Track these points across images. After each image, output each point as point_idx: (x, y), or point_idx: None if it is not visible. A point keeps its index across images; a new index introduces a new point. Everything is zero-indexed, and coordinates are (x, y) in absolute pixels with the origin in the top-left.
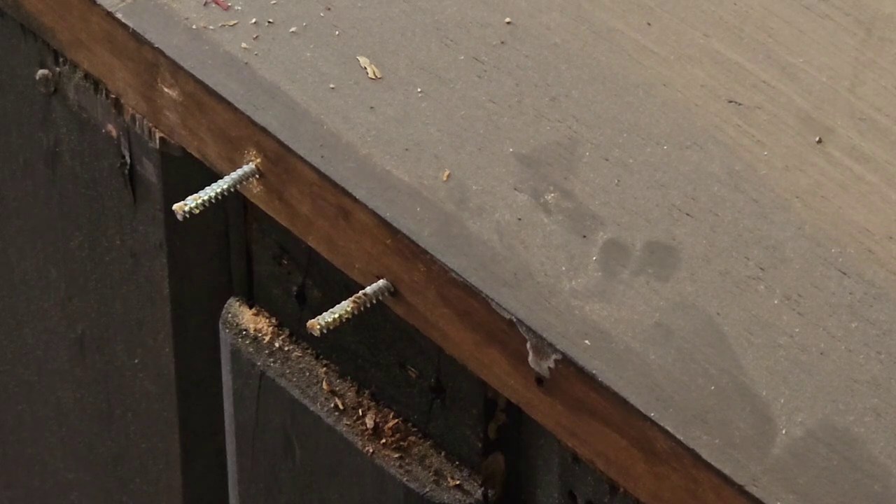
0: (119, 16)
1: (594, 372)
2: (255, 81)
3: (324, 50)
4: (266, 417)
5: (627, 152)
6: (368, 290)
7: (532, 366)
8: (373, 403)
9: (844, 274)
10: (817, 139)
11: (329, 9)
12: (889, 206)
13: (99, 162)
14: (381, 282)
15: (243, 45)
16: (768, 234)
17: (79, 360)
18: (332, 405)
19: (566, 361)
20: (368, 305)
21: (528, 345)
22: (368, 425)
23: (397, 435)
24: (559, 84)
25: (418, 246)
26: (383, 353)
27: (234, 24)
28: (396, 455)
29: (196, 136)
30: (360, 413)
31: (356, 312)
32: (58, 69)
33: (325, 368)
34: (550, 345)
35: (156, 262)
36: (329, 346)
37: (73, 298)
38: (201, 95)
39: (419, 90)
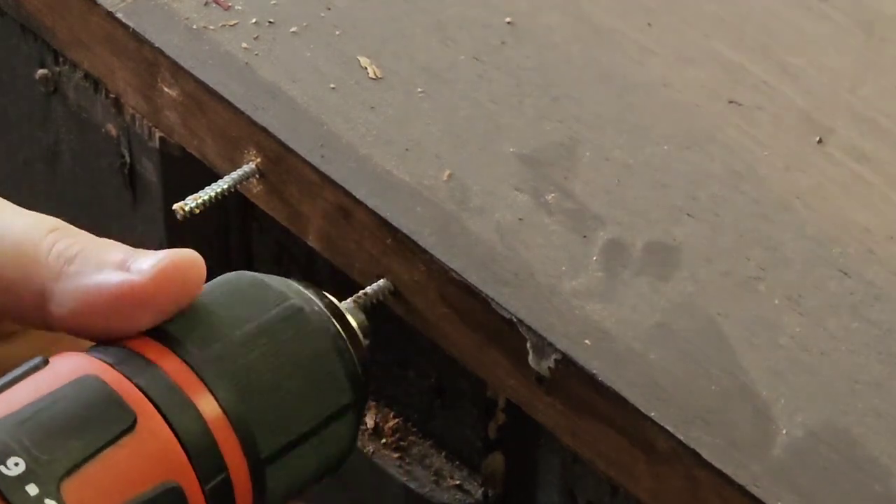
0: (119, 16)
1: (595, 372)
2: (256, 81)
3: (324, 50)
4: None
5: (628, 152)
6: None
7: (532, 365)
8: (373, 403)
9: (845, 274)
10: (818, 139)
11: (329, 9)
12: (890, 206)
13: (99, 161)
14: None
15: (244, 44)
16: (769, 235)
17: None
18: None
19: (566, 361)
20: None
21: (529, 344)
22: (368, 425)
23: (397, 434)
24: (560, 84)
25: (418, 246)
26: (383, 353)
27: (235, 24)
28: (396, 455)
29: (196, 135)
30: None
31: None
32: (58, 69)
33: None
34: (551, 344)
35: None
36: None
37: None
38: (201, 95)
39: (420, 90)
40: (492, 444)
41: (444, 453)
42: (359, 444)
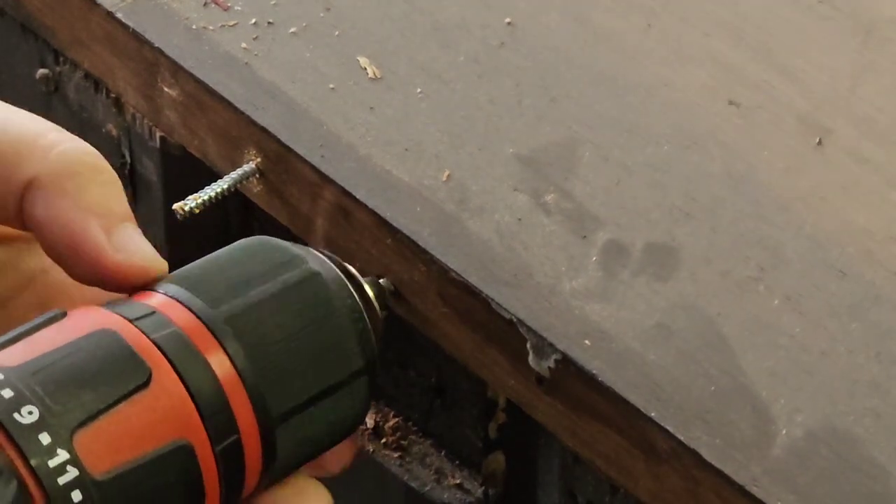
0: (119, 16)
1: (594, 372)
2: (255, 81)
3: (324, 50)
4: None
5: (628, 153)
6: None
7: (532, 366)
8: (373, 403)
9: (845, 274)
10: (817, 140)
11: (329, 9)
12: (889, 206)
13: None
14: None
15: (243, 45)
16: (769, 235)
17: None
18: None
19: (566, 361)
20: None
21: (529, 345)
22: (369, 425)
23: (398, 434)
24: (559, 85)
25: (418, 246)
26: (383, 352)
27: (234, 24)
28: (397, 454)
29: (196, 135)
30: None
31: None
32: (58, 68)
33: None
34: (550, 345)
35: None
36: None
37: None
38: (201, 95)
39: (419, 90)
40: (492, 444)
41: (444, 453)
42: (359, 443)
